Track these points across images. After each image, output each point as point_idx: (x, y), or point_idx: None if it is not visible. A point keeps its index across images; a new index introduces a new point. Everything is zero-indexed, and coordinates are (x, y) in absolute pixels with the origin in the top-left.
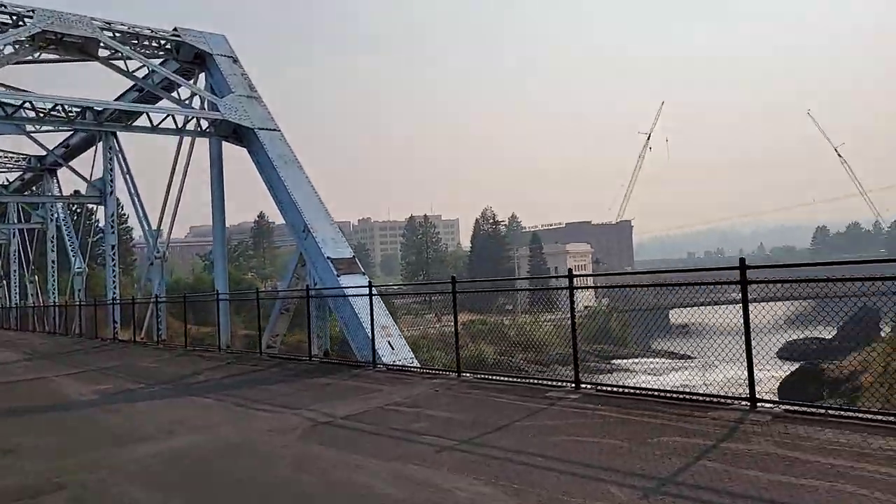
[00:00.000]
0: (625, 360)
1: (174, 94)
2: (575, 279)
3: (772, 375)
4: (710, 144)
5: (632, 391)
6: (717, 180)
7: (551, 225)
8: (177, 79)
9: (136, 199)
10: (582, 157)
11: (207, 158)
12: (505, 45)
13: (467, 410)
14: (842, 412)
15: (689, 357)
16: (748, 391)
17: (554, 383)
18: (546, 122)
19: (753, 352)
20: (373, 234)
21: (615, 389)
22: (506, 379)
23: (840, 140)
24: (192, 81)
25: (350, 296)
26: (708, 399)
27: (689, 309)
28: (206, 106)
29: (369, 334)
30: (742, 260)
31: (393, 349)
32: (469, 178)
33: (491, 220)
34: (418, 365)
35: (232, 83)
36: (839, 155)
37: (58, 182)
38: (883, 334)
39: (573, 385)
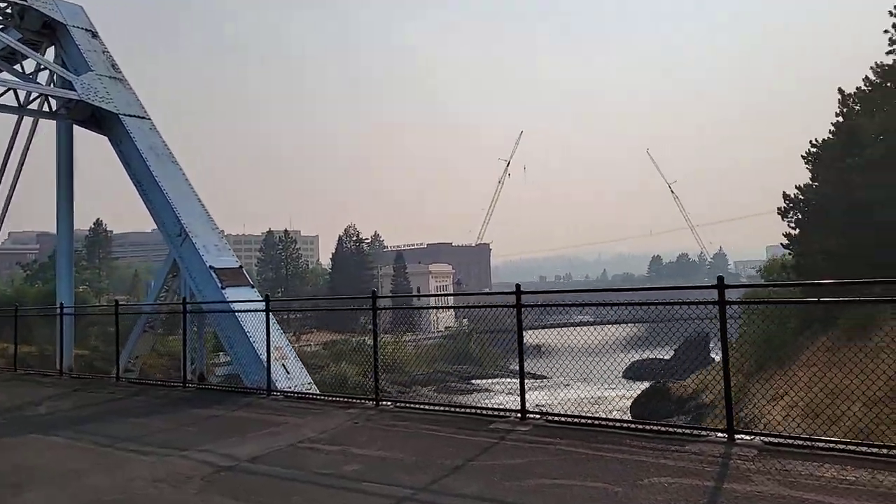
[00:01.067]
0: (484, 381)
1: (16, 68)
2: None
3: (621, 395)
4: (564, 177)
5: (587, 420)
6: (567, 209)
7: (413, 245)
8: (21, 48)
9: None
10: (444, 179)
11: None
12: (374, 59)
13: (403, 447)
14: (827, 444)
15: (544, 377)
16: (726, 424)
17: (496, 413)
18: (417, 143)
19: (602, 372)
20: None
21: (567, 420)
22: (435, 408)
23: (674, 178)
24: (40, 54)
25: (241, 311)
26: (676, 431)
27: (542, 330)
28: (56, 83)
29: (262, 356)
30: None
31: (288, 373)
32: (331, 195)
33: (354, 238)
34: (318, 391)
35: (91, 60)
36: (672, 191)
37: None
38: (713, 355)
39: (518, 415)
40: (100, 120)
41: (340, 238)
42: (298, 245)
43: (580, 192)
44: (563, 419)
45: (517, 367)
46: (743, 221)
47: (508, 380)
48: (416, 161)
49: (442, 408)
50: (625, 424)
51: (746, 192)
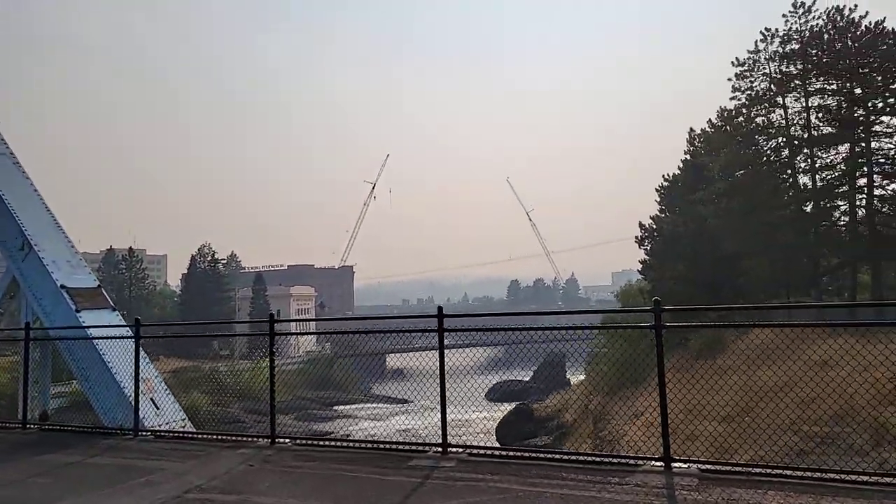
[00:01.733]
0: (347, 407)
1: None
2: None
3: (484, 417)
4: (429, 201)
5: (514, 453)
6: (429, 233)
7: (273, 267)
8: None
9: None
10: (310, 200)
11: None
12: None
13: (317, 493)
14: (761, 469)
15: (407, 401)
16: (662, 451)
17: (413, 448)
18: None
19: (465, 395)
20: None
21: (493, 454)
22: (345, 445)
23: (531, 206)
24: None
25: (102, 338)
26: (609, 461)
27: (404, 354)
28: None
29: (126, 390)
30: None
31: (158, 409)
32: (184, 213)
33: (209, 258)
34: (193, 428)
35: None
36: (530, 219)
37: None
38: (569, 376)
39: (439, 450)
40: None
41: (193, 258)
42: (144, 265)
43: (443, 216)
44: (487, 452)
45: (380, 392)
46: (591, 249)
47: (372, 405)
48: (280, 182)
49: (352, 444)
50: (556, 455)
51: (594, 223)
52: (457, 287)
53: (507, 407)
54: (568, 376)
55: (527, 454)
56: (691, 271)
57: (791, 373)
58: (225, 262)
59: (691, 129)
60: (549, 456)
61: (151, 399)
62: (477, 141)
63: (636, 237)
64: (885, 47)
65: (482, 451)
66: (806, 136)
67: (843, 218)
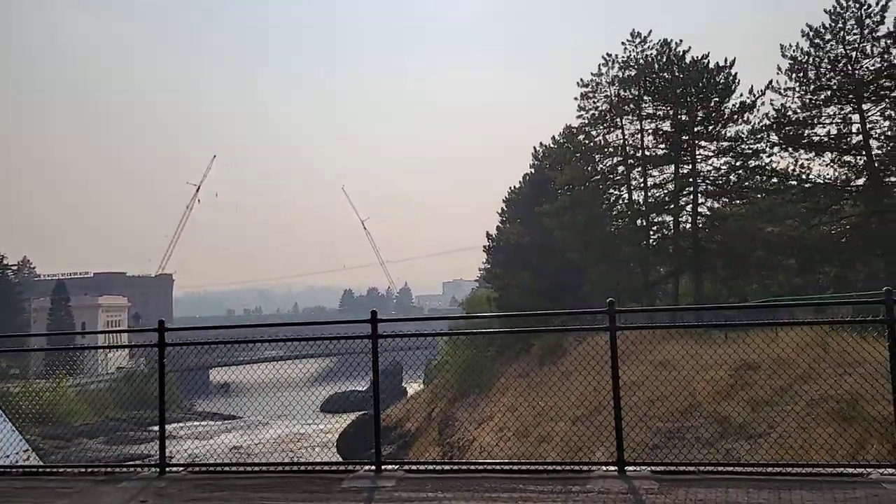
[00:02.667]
0: (168, 426)
1: None
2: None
3: (321, 429)
4: (259, 206)
5: (458, 467)
6: (261, 241)
7: (76, 274)
8: None
9: None
10: (128, 202)
11: None
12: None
13: None
14: (712, 467)
15: (235, 417)
16: (617, 457)
17: (341, 468)
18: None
19: (299, 408)
20: None
21: (435, 469)
22: (256, 469)
23: (366, 215)
24: None
25: None
26: (561, 469)
27: (230, 368)
28: None
29: None
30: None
31: None
32: None
33: None
34: (38, 460)
35: None
36: (364, 227)
37: None
38: (405, 385)
39: (371, 468)
40: None
41: None
42: None
43: (275, 223)
44: (427, 467)
45: (205, 409)
46: (423, 260)
47: (195, 423)
48: (89, 182)
49: (264, 468)
50: (505, 466)
51: (425, 235)
52: (288, 296)
53: (344, 418)
54: (404, 385)
55: (470, 467)
56: (536, 280)
57: (637, 374)
58: (16, 268)
59: (537, 145)
60: (493, 468)
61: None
62: (314, 149)
63: (485, 246)
64: (704, 80)
65: (421, 468)
66: (640, 155)
67: (667, 232)
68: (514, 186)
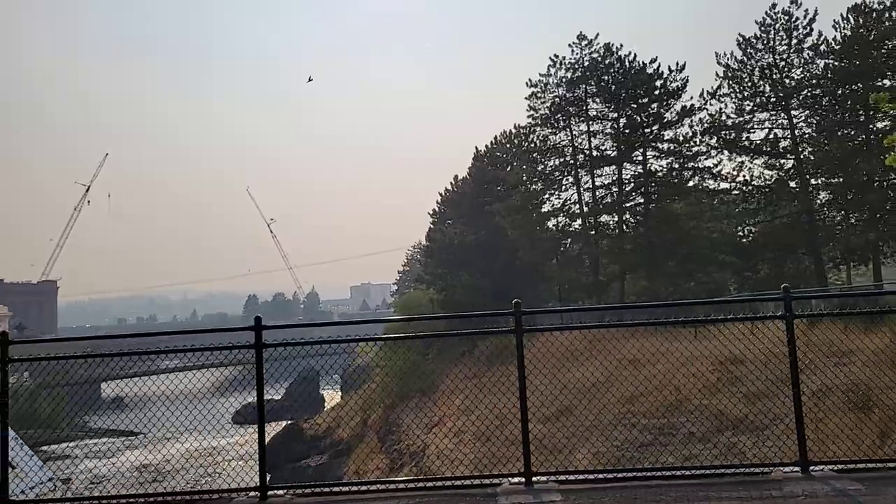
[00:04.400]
0: (59, 446)
1: None
2: None
3: (235, 441)
4: (153, 210)
5: (609, 475)
6: (154, 245)
7: None
8: None
9: None
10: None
11: None
12: None
13: None
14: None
15: (135, 433)
16: (799, 456)
17: (483, 480)
18: None
19: (208, 420)
20: None
21: (585, 478)
22: (365, 489)
23: (272, 217)
24: None
25: None
26: (740, 471)
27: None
28: None
29: None
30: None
31: (14, 468)
32: None
33: None
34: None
35: None
36: (271, 231)
37: None
38: (322, 392)
39: (519, 480)
40: None
41: None
42: None
43: (172, 227)
44: (579, 477)
45: (99, 425)
46: (331, 265)
47: (92, 441)
48: None
49: (389, 485)
50: (667, 472)
51: (331, 239)
52: (184, 303)
53: (256, 429)
54: (321, 392)
55: (627, 474)
56: (484, 279)
57: (606, 372)
58: None
59: (476, 148)
60: (648, 474)
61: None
62: (214, 149)
63: (425, 246)
64: (648, 84)
65: (571, 478)
66: (587, 155)
67: (614, 231)
68: (448, 189)
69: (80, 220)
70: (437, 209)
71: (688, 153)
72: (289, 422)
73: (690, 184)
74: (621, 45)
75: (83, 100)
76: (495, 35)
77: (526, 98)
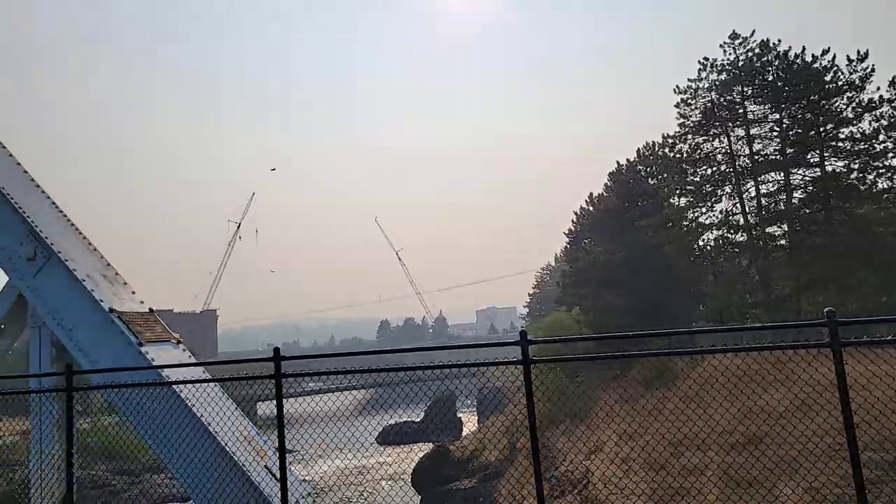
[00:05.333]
0: None
1: None
2: None
3: (381, 461)
4: (292, 242)
5: None
6: (293, 277)
7: None
8: None
9: None
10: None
11: None
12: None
13: None
14: None
15: (291, 451)
16: None
17: None
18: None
19: (356, 440)
20: None
21: None
22: None
23: (399, 247)
24: None
25: (197, 382)
26: None
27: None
28: None
29: (239, 458)
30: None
31: (276, 481)
32: None
33: None
34: None
35: None
36: (399, 258)
37: None
38: (459, 415)
39: None
40: None
41: None
42: None
43: (307, 259)
44: None
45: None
46: (455, 290)
47: None
48: (133, 227)
49: None
50: None
51: (455, 263)
52: (321, 329)
53: (403, 449)
54: (459, 416)
55: None
56: (632, 298)
57: (797, 398)
58: None
59: (622, 160)
60: None
61: (266, 468)
62: (345, 184)
63: (564, 268)
64: (815, 80)
65: None
66: (748, 162)
67: (788, 241)
68: (584, 207)
69: (233, 253)
70: (573, 228)
71: (872, 151)
72: (436, 444)
73: (880, 185)
74: (779, 41)
75: (229, 147)
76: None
77: (675, 106)
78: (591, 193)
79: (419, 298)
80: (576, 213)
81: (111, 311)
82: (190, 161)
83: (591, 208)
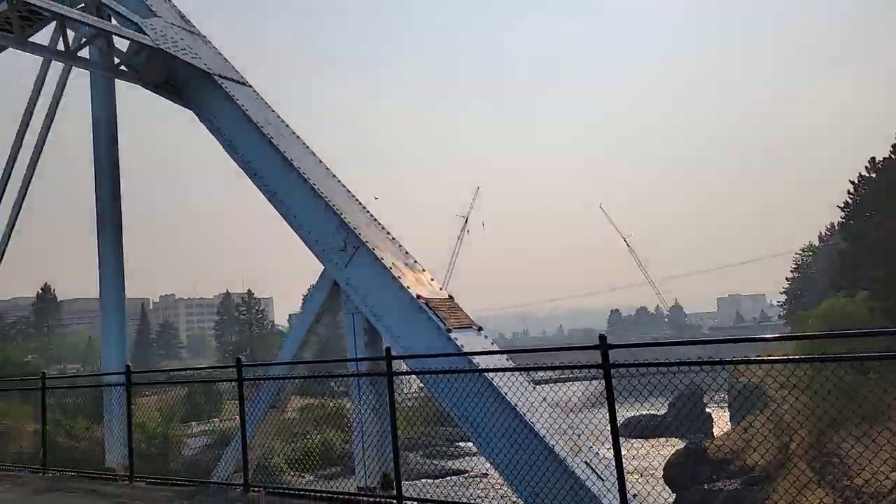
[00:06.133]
0: (467, 443)
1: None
2: None
3: (624, 454)
4: (514, 233)
5: None
6: (516, 266)
7: None
8: None
9: None
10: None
11: None
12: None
13: None
14: None
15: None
16: None
17: None
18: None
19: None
20: (177, 312)
21: None
22: None
23: (628, 232)
24: None
25: (488, 371)
26: None
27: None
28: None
29: (557, 451)
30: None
31: (603, 480)
32: (283, 254)
33: None
34: None
35: (153, 4)
36: (628, 245)
37: None
38: (709, 410)
39: None
40: (180, 84)
41: (305, 297)
42: (264, 306)
43: (531, 247)
44: None
45: None
46: (695, 277)
47: None
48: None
49: None
50: None
51: (691, 249)
52: (549, 319)
53: (645, 444)
54: (708, 411)
55: None
56: None
57: None
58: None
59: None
60: None
61: (587, 463)
62: (561, 170)
63: (840, 249)
64: None
65: None
66: None
67: None
68: (863, 175)
69: (463, 247)
70: (849, 200)
71: None
72: (689, 442)
73: None
74: None
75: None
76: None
77: None
78: (872, 158)
79: (651, 286)
80: (852, 183)
81: (418, 297)
82: (416, 158)
83: (873, 175)
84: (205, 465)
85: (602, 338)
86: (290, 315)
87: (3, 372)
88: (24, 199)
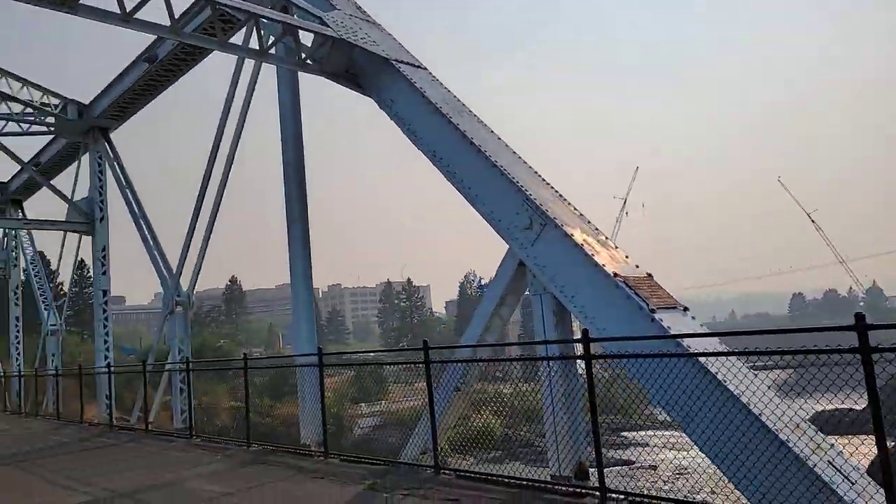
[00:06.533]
0: (634, 434)
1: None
2: None
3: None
4: (680, 214)
5: None
6: (677, 246)
7: None
8: None
9: (140, 220)
10: None
11: None
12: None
13: None
14: None
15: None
16: None
17: None
18: None
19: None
20: (343, 301)
21: None
22: None
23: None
24: None
25: (702, 355)
26: None
27: None
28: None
29: (796, 449)
30: None
31: (853, 484)
32: (437, 243)
33: (476, 284)
34: None
35: None
36: (813, 222)
37: (23, 213)
38: None
39: None
40: (358, 72)
41: (461, 284)
42: (421, 294)
43: (693, 227)
44: None
45: (663, 418)
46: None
47: (661, 432)
48: None
49: None
50: None
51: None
52: (717, 304)
53: (837, 440)
54: None
55: None
56: None
57: None
58: (487, 285)
59: None
60: None
61: (831, 463)
62: (731, 147)
63: None
64: None
65: None
66: None
67: None
68: None
69: (622, 229)
70: None
71: None
72: None
73: None
74: None
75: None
76: None
77: None
78: None
79: (844, 267)
80: None
81: (615, 275)
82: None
83: None
84: (378, 445)
85: (860, 317)
86: (446, 302)
87: (201, 355)
88: (220, 202)
